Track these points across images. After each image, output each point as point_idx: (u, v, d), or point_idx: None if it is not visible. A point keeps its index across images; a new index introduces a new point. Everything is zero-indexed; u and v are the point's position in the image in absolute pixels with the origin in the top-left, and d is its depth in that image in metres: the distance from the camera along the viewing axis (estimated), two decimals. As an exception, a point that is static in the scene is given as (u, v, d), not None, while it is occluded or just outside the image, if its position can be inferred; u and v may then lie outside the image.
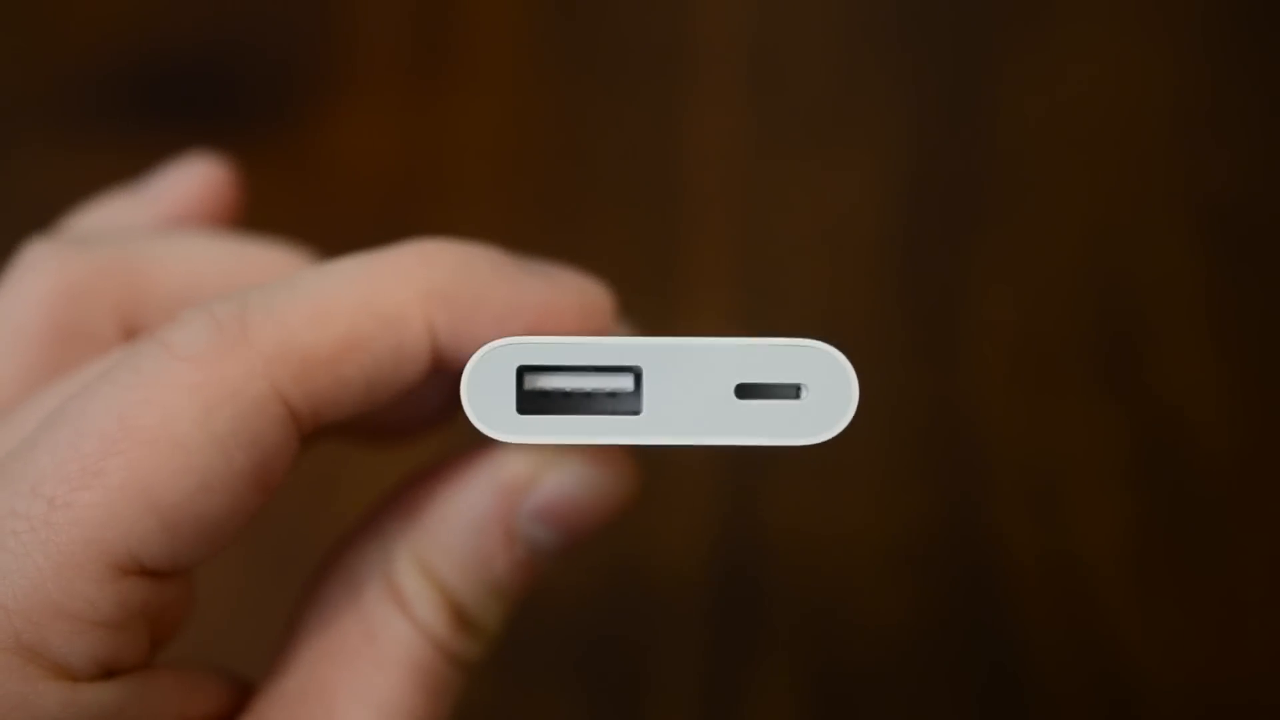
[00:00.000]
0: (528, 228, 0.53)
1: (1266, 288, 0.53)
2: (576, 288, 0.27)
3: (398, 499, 0.29)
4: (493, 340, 0.24)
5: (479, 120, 0.57)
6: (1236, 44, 0.60)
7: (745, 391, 0.23)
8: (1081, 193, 0.56)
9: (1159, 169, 0.56)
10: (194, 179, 0.35)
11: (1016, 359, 0.51)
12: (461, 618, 0.28)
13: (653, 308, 0.48)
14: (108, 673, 0.25)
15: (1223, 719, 0.43)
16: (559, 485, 0.27)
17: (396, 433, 0.32)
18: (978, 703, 0.43)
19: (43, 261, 0.30)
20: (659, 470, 0.44)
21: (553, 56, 0.60)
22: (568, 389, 0.23)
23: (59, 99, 0.57)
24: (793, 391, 0.23)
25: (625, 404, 0.23)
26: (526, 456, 0.28)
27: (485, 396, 0.23)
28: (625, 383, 0.23)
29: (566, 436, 0.23)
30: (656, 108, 0.57)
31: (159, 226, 0.34)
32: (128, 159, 0.55)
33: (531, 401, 0.23)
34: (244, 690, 0.28)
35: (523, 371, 0.23)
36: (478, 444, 0.28)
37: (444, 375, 0.27)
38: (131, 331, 0.30)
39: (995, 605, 0.45)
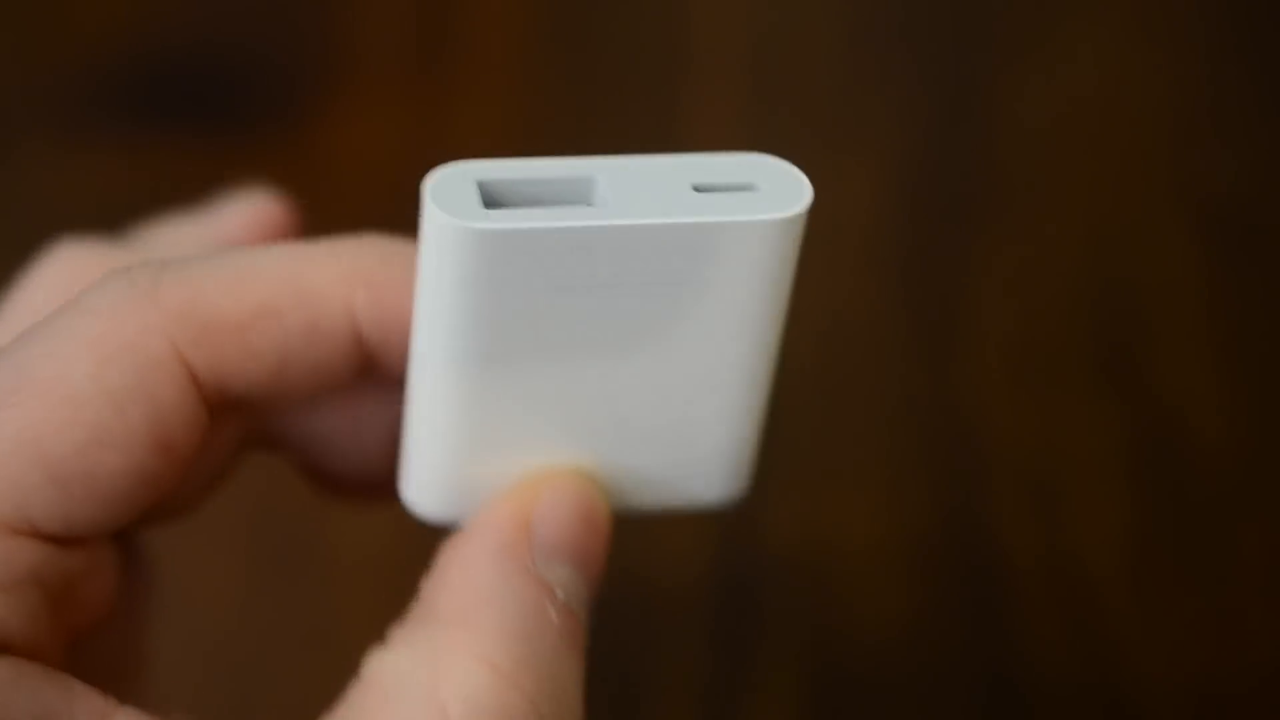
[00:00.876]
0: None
1: (1267, 288, 0.53)
2: None
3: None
4: None
5: (480, 120, 0.57)
6: (1237, 45, 0.60)
7: (702, 189, 0.24)
8: (1082, 192, 0.56)
9: (1159, 169, 0.56)
10: (250, 210, 0.34)
11: (1016, 359, 0.51)
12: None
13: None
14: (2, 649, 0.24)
15: (1222, 718, 0.43)
16: (556, 507, 0.26)
17: (356, 479, 0.29)
18: (977, 703, 0.43)
19: (62, 253, 0.30)
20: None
21: (554, 56, 0.60)
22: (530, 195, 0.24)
23: (59, 99, 0.57)
24: (748, 189, 0.24)
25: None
26: (507, 495, 0.26)
27: (449, 200, 0.23)
28: (584, 190, 0.24)
29: (532, 223, 0.23)
30: (657, 107, 0.57)
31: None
32: (128, 159, 0.55)
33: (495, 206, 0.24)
34: None
35: (483, 187, 0.23)
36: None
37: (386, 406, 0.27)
38: None
39: (995, 606, 0.45)
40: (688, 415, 0.26)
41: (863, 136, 0.57)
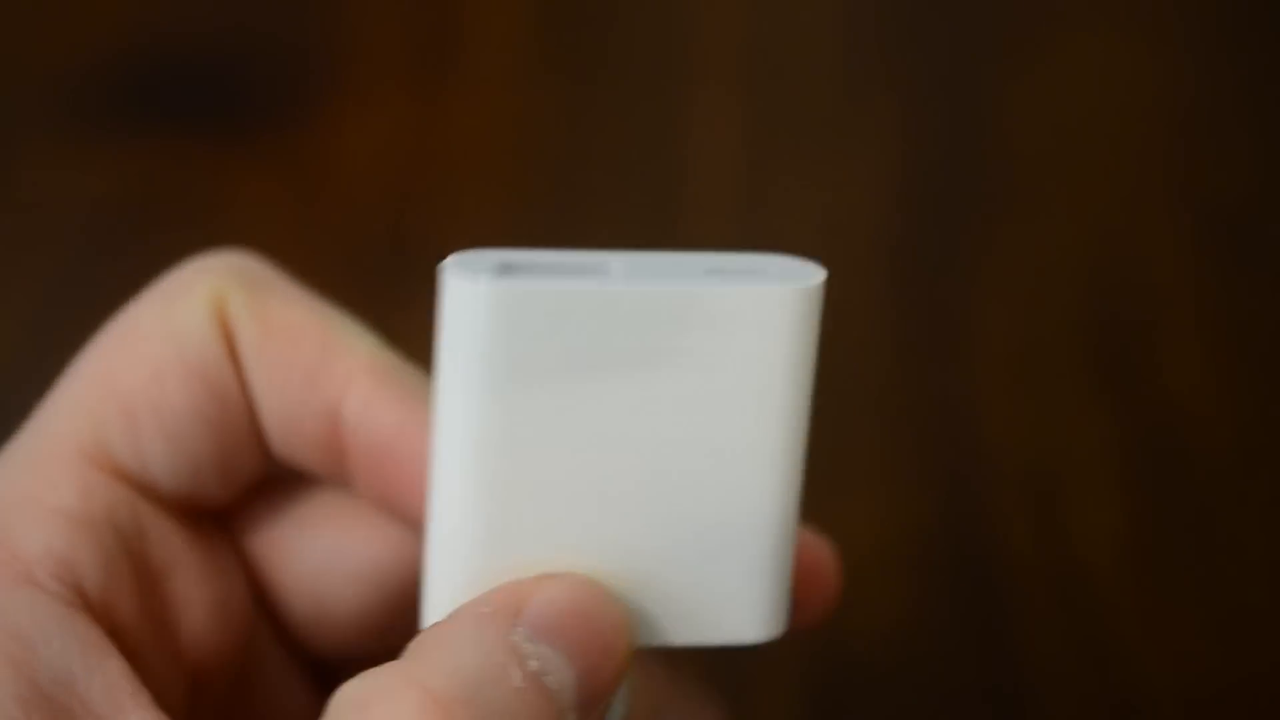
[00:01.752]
0: (530, 226, 0.53)
1: (1267, 289, 0.53)
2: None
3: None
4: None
5: (480, 120, 0.57)
6: (1236, 46, 0.60)
7: (714, 272, 0.24)
8: (1082, 192, 0.56)
9: (1159, 169, 0.57)
10: None
11: (1016, 359, 0.51)
12: None
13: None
14: (75, 591, 0.24)
15: (1221, 718, 0.43)
16: (557, 594, 0.24)
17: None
18: (976, 703, 0.43)
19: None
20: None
21: (555, 56, 0.60)
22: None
23: (59, 99, 0.57)
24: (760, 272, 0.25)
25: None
26: (515, 581, 0.24)
27: (466, 268, 0.23)
28: (599, 267, 0.24)
29: (547, 284, 0.23)
30: (657, 108, 0.57)
31: None
32: (128, 159, 0.55)
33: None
34: None
35: (499, 265, 0.24)
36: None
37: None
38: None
39: (995, 606, 0.45)
40: (719, 531, 0.25)
41: (863, 137, 0.57)
